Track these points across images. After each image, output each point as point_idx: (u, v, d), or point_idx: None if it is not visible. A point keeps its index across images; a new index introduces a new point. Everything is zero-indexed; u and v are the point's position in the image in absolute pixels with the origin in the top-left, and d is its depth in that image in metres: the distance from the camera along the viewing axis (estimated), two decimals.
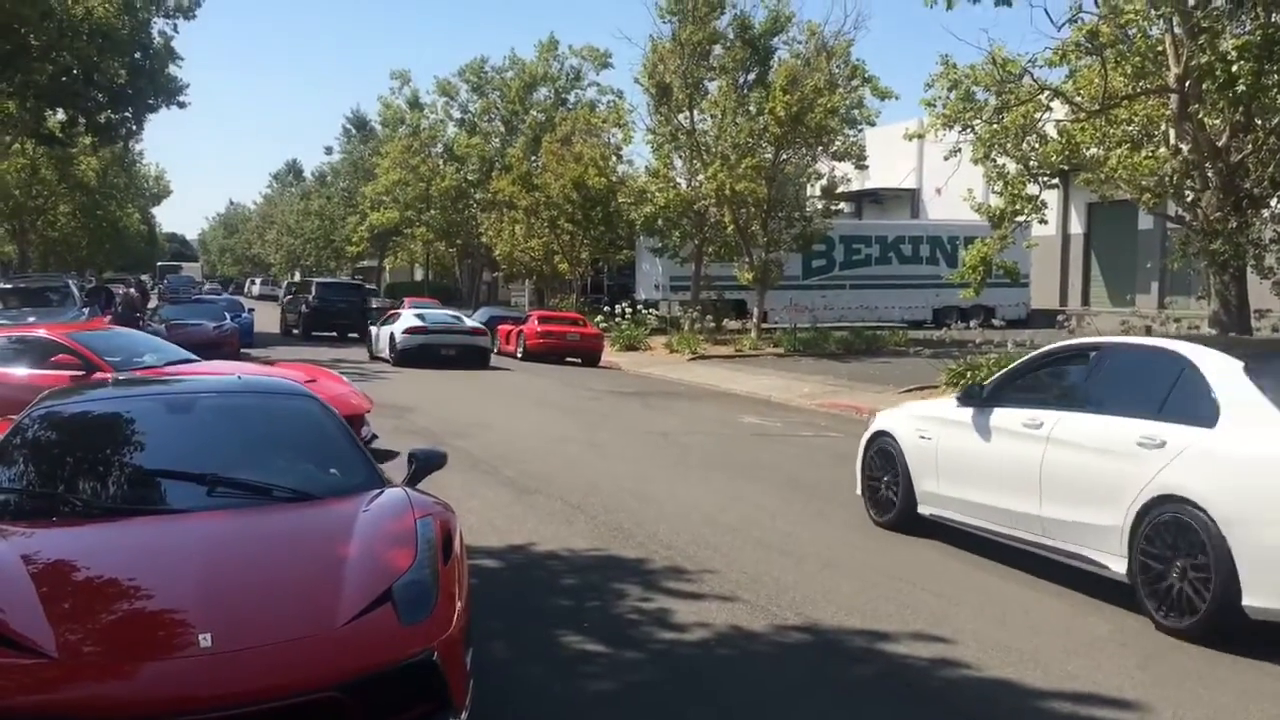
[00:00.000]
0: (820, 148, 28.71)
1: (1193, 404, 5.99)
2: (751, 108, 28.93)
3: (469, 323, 26.27)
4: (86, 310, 23.42)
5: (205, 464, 4.80)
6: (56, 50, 27.32)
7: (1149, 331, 14.65)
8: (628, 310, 31.19)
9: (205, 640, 3.53)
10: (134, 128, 33.71)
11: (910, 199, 41.95)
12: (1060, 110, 17.24)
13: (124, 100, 31.28)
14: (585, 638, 5.54)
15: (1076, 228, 35.23)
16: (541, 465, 11.00)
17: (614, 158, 38.65)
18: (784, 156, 28.44)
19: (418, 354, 23.47)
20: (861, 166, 31.30)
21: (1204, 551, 5.56)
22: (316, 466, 5.08)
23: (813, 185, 31.61)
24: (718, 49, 30.12)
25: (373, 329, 27.02)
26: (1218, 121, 15.02)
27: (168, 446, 5.10)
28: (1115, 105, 16.10)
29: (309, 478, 4.95)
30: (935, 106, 17.11)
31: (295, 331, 34.43)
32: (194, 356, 12.12)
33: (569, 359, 26.43)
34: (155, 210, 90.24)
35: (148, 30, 31.02)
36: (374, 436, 10.49)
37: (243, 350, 23.10)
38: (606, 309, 33.40)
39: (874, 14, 79.01)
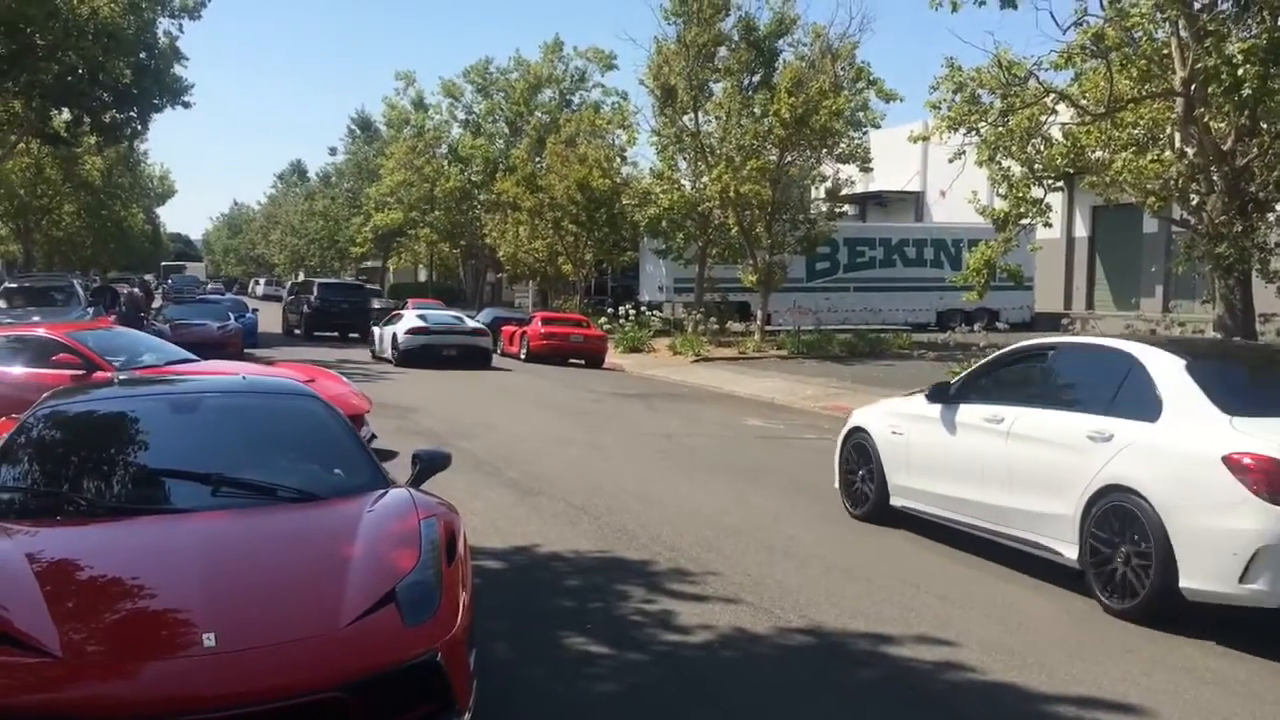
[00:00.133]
0: (825, 150, 28.72)
1: (1138, 400, 6.38)
2: (756, 110, 28.93)
3: (470, 323, 26.30)
4: (91, 310, 23.46)
5: (210, 464, 4.81)
6: (62, 50, 27.36)
7: (1154, 335, 14.63)
8: (631, 312, 31.20)
9: (209, 640, 3.53)
10: (139, 127, 33.79)
11: (914, 202, 41.92)
12: (1065, 113, 17.22)
13: (129, 100, 31.32)
14: (588, 639, 5.54)
15: (1081, 231, 35.17)
16: (545, 466, 11.00)
17: (618, 159, 38.67)
18: (788, 159, 28.45)
19: (420, 354, 23.53)
20: (866, 169, 31.25)
21: (1146, 538, 5.95)
22: (321, 467, 5.08)
23: (817, 188, 31.61)
24: (722, 51, 30.14)
25: (375, 329, 27.07)
26: (1223, 125, 15.00)
27: (172, 446, 5.11)
28: (1120, 108, 16.08)
29: (313, 478, 4.95)
30: (940, 109, 17.09)
31: (297, 332, 34.50)
32: (193, 356, 12.14)
33: (572, 360, 26.44)
34: (160, 210, 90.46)
35: (153, 30, 31.08)
36: (373, 436, 10.48)
37: (246, 350, 23.14)
38: (610, 311, 33.42)
39: (879, 16, 78.45)
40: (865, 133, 29.96)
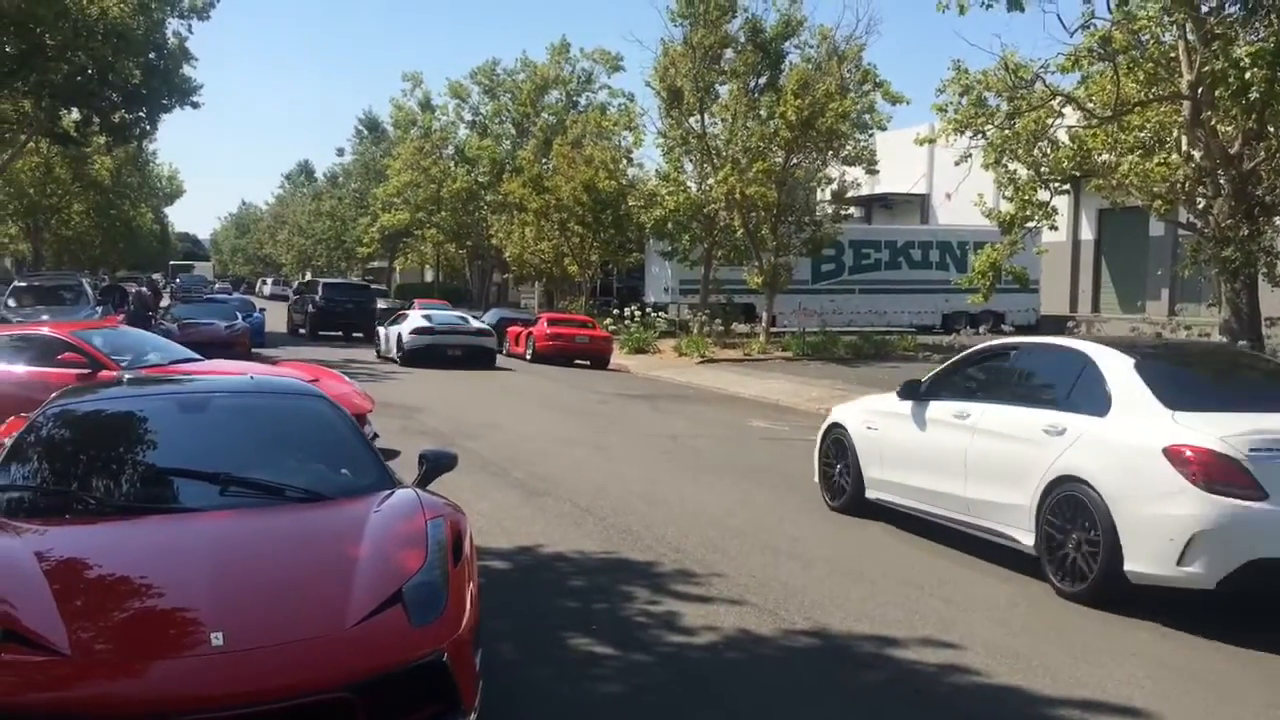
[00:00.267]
0: (831, 152, 28.70)
1: (1090, 396, 6.78)
2: (762, 112, 28.92)
3: (475, 323, 26.33)
4: (100, 309, 23.55)
5: (217, 463, 4.83)
6: (72, 50, 27.43)
7: (1159, 338, 14.62)
8: (637, 313, 31.20)
9: (217, 639, 3.55)
10: (148, 127, 33.81)
11: (920, 204, 41.87)
12: (1072, 116, 17.20)
13: (138, 100, 31.38)
14: (593, 640, 5.55)
15: (1087, 234, 35.10)
16: (550, 467, 11.02)
17: (624, 161, 38.67)
18: (794, 161, 28.44)
19: (424, 354, 23.55)
20: (872, 171, 31.23)
21: (1094, 525, 6.32)
22: (328, 467, 5.10)
23: (823, 190, 31.58)
24: (729, 53, 30.13)
25: (380, 329, 27.11)
26: (1230, 128, 14.98)
27: (180, 446, 5.13)
28: (1127, 111, 16.06)
29: (320, 478, 4.97)
30: (947, 111, 17.10)
31: (302, 331, 34.55)
32: (198, 356, 12.18)
33: (578, 361, 26.46)
34: (168, 210, 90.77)
35: (162, 30, 31.12)
36: (375, 436, 10.50)
37: (254, 350, 23.19)
38: (615, 312, 33.41)
39: (886, 18, 78.86)
40: (871, 135, 29.94)
